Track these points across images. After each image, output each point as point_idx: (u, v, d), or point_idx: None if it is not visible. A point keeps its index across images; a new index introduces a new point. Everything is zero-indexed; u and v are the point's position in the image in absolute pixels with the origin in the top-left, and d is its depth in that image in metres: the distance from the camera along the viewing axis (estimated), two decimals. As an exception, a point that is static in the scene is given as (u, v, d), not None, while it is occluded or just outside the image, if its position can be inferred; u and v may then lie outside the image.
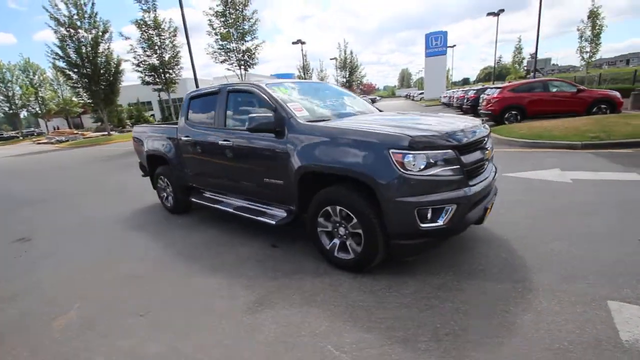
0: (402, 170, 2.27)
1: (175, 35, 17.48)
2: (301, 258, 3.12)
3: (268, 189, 3.27)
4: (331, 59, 43.26)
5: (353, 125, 2.75)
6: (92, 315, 2.52)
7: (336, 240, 2.80)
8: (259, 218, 3.40)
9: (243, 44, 14.11)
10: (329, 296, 2.47)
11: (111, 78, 22.40)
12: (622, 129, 7.26)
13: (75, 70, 20.51)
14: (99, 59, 21.36)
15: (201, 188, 4.36)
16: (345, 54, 37.65)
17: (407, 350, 1.87)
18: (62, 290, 2.93)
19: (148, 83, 19.31)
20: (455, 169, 2.33)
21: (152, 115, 35.98)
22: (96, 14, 20.78)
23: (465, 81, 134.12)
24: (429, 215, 2.32)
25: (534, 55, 20.57)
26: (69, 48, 20.11)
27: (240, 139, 3.40)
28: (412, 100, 50.83)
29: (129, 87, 31.38)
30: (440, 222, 2.34)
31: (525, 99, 11.12)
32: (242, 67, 14.69)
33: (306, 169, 2.76)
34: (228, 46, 14.01)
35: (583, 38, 19.55)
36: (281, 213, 3.35)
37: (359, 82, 43.21)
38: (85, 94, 21.94)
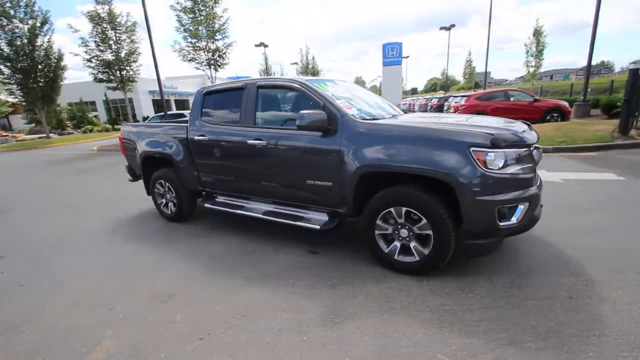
0: (483, 168, 2.25)
1: (133, 31, 16.08)
2: (350, 263, 2.96)
3: (311, 191, 3.07)
4: (292, 64, 43.26)
5: (420, 123, 2.69)
6: (135, 343, 2.12)
7: (397, 243, 2.70)
8: (297, 223, 3.18)
9: (213, 42, 13.44)
10: (405, 301, 2.35)
11: (51, 74, 19.97)
12: (582, 134, 8.15)
13: (8, 64, 17.94)
14: (37, 52, 18.95)
15: (215, 192, 3.99)
16: (307, 59, 37.87)
17: (520, 352, 1.83)
18: (76, 318, 2.44)
19: (101, 80, 17.45)
20: (527, 168, 2.38)
21: (96, 116, 32.72)
22: (34, 2, 18.46)
23: (414, 90, 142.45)
24: (506, 214, 2.33)
25: (481, 67, 22.45)
26: (1, 39, 17.57)
27: (278, 138, 3.16)
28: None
29: (70, 85, 28.28)
30: (514, 220, 2.36)
31: (490, 107, 12.03)
32: (212, 67, 13.97)
33: (369, 168, 2.63)
34: (197, 44, 13.21)
35: (529, 53, 22.06)
36: (321, 217, 3.17)
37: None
38: (19, 92, 19.26)
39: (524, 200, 2.35)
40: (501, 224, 2.32)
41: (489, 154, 2.25)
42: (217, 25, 13.13)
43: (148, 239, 3.88)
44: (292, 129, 3.32)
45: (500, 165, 2.28)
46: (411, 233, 2.62)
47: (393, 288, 2.53)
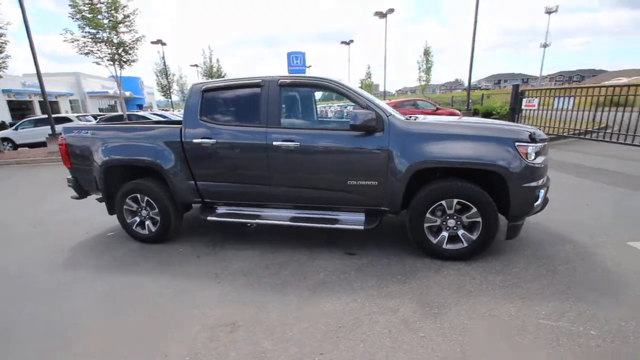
0: (526, 160, 2.66)
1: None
2: (396, 259, 3.04)
3: (352, 192, 3.03)
4: (192, 66, 40.14)
5: (465, 123, 2.96)
6: (237, 385, 1.75)
7: (444, 233, 2.92)
8: (336, 226, 3.10)
9: (117, 35, 11.32)
10: (475, 284, 2.57)
11: None
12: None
13: None
14: None
15: (216, 202, 3.50)
16: (210, 61, 35.59)
17: (591, 304, 2.24)
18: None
19: None
20: (546, 159, 2.90)
21: None
22: None
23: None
24: (537, 197, 2.80)
25: (378, 80, 25.42)
26: None
27: (315, 138, 3.02)
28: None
29: None
30: (538, 202, 2.85)
31: (402, 113, 13.70)
32: (117, 62, 11.75)
33: (424, 165, 2.78)
34: (98, 36, 10.89)
35: (421, 69, 26.16)
36: (355, 217, 3.17)
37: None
38: None
39: (543, 186, 2.86)
40: (535, 206, 2.78)
41: (529, 147, 2.68)
42: (120, 16, 11.19)
43: (133, 267, 3.14)
44: (330, 129, 3.23)
45: (533, 157, 2.73)
46: (459, 222, 2.87)
47: (453, 275, 2.73)
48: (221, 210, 3.52)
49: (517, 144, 2.67)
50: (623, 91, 7.43)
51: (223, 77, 37.08)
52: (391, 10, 24.51)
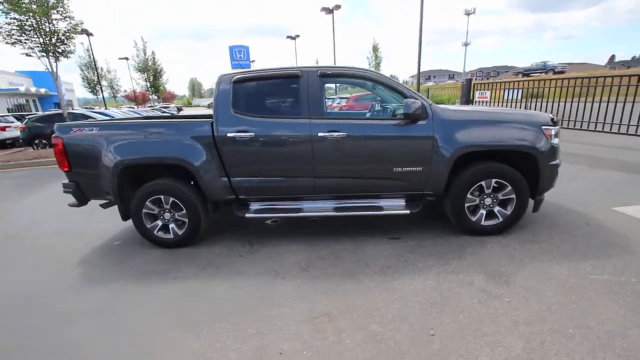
0: (550, 141, 3.04)
1: None
2: (440, 240, 3.24)
3: (397, 178, 3.15)
4: (121, 59, 36.35)
5: (495, 110, 3.25)
6: (372, 369, 1.77)
7: (482, 211, 3.21)
8: (383, 212, 3.22)
9: (50, 22, 9.65)
10: (520, 254, 2.88)
11: None
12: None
13: None
14: None
15: (250, 198, 3.35)
16: (145, 54, 32.41)
17: (612, 258, 2.68)
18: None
19: None
20: (559, 140, 3.34)
21: None
22: None
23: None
24: (557, 174, 3.22)
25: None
26: None
27: (362, 128, 3.08)
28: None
29: None
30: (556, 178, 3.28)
31: (365, 107, 14.23)
32: (51, 54, 10.02)
33: (467, 149, 3.00)
34: (27, 23, 9.11)
35: (371, 65, 27.06)
36: (395, 202, 3.31)
37: (163, 88, 38.41)
38: None
39: (560, 163, 3.30)
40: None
41: (552, 130, 3.07)
42: (52, 1, 9.59)
43: (172, 274, 2.88)
44: (373, 118, 3.30)
45: (554, 138, 3.14)
46: (494, 200, 3.18)
47: (498, 248, 3.02)
48: (255, 206, 3.38)
49: (543, 127, 3.04)
50: (571, 83, 8.54)
51: (160, 71, 34.34)
52: (338, 7, 25.00)
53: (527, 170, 3.11)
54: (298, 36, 33.96)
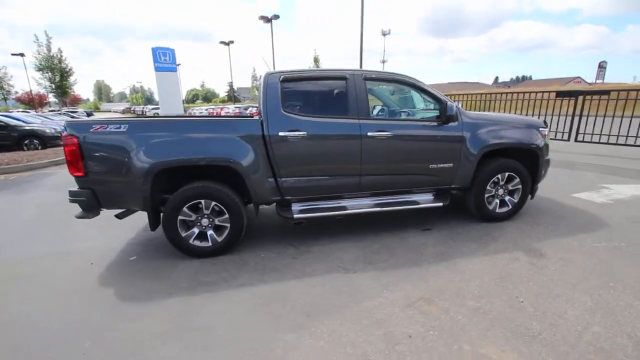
0: (544, 140, 3.73)
1: None
2: (468, 227, 3.65)
3: (432, 174, 3.47)
4: (14, 55, 30.46)
5: (504, 115, 3.83)
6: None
7: (497, 200, 3.74)
8: (420, 206, 3.51)
9: None
10: (545, 233, 3.44)
11: None
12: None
13: None
14: None
15: (294, 199, 3.31)
16: (49, 51, 27.39)
17: (605, 229, 3.43)
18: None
19: None
20: (545, 140, 4.08)
21: None
22: None
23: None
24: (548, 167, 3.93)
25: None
26: None
27: (405, 128, 3.33)
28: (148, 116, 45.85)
29: None
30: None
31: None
32: None
33: (490, 147, 3.49)
34: None
35: None
36: (426, 197, 3.65)
37: (70, 91, 32.97)
38: None
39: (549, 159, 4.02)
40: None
41: (545, 131, 3.77)
42: None
43: (230, 283, 2.70)
44: (412, 120, 3.59)
45: (546, 138, 3.84)
46: (505, 190, 3.74)
47: (514, 230, 3.55)
48: (297, 207, 3.35)
49: (540, 129, 3.72)
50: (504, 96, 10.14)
51: (69, 71, 29.75)
52: (276, 17, 25.24)
53: (528, 164, 3.74)
54: (232, 42, 33.11)
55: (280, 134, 3.04)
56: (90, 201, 2.89)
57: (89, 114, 39.91)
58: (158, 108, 42.38)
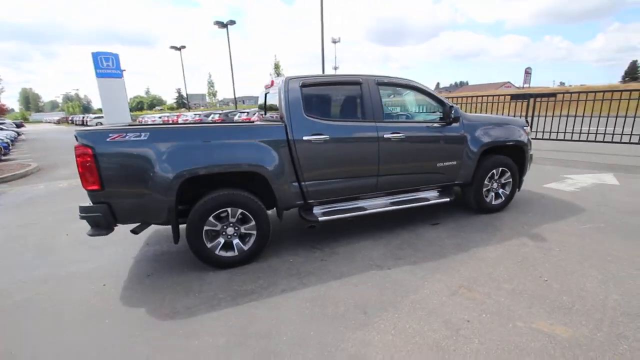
0: (527, 137, 4.18)
1: None
2: (472, 220, 3.95)
3: (439, 172, 3.72)
4: None
5: (495, 116, 4.22)
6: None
7: (492, 193, 4.09)
8: (430, 202, 3.73)
9: None
10: (540, 220, 3.84)
11: None
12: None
13: None
14: None
15: (318, 201, 3.33)
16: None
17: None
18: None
19: None
20: (523, 137, 4.55)
21: None
22: None
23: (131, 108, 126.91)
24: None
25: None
26: None
27: (417, 129, 3.54)
28: (90, 126, 41.90)
29: None
30: (524, 165, 4.49)
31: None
32: None
33: (488, 145, 3.83)
34: None
35: None
36: (433, 194, 3.90)
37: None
38: None
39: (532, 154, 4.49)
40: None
41: (527, 129, 4.22)
42: None
43: (274, 289, 2.66)
44: (420, 121, 3.79)
45: (529, 135, 4.30)
46: (499, 184, 4.11)
47: (512, 220, 3.92)
48: (318, 209, 3.39)
49: (524, 127, 4.16)
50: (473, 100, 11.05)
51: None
52: (232, 22, 24.78)
53: (516, 159, 4.16)
54: (184, 47, 31.80)
55: (305, 138, 3.06)
56: (107, 217, 2.65)
57: (18, 125, 35.71)
58: (101, 117, 39.29)
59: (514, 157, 4.13)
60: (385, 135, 3.34)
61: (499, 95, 9.63)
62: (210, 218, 2.86)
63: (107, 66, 37.51)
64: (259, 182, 3.03)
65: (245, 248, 3.03)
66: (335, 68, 52.20)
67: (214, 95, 48.98)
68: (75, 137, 2.56)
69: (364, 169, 3.37)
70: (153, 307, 2.49)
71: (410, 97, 4.49)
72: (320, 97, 3.30)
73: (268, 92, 3.88)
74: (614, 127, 7.73)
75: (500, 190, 4.15)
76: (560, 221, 3.78)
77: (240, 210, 2.94)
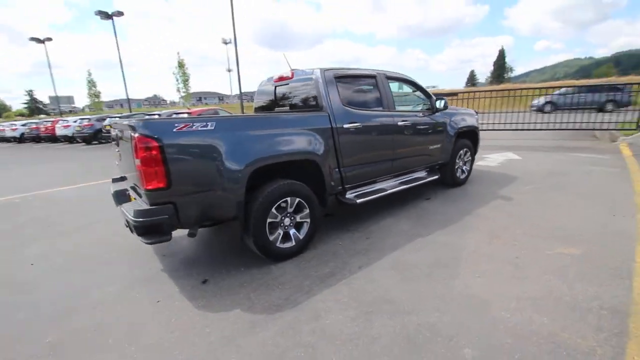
0: (477, 123, 5.29)
1: None
2: (459, 196, 4.76)
3: (430, 154, 4.41)
4: None
5: (459, 108, 5.11)
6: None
7: (459, 169, 5.03)
8: (425, 180, 4.39)
9: None
10: (513, 194, 4.90)
11: None
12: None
13: None
14: None
15: (351, 186, 3.55)
16: None
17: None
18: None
19: None
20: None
21: None
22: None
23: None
24: (476, 143, 5.54)
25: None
26: None
27: (416, 117, 4.11)
28: None
29: None
30: (472, 147, 5.63)
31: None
32: None
33: (460, 130, 4.70)
34: None
35: (179, 81, 25.00)
36: (424, 173, 4.60)
37: None
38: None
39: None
40: (477, 147, 5.53)
41: (477, 116, 5.33)
42: None
43: (349, 274, 2.83)
44: (415, 111, 4.37)
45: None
46: (464, 161, 5.08)
47: (476, 189, 4.91)
48: (350, 194, 3.62)
49: (476, 116, 5.25)
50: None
51: None
52: (120, 13, 21.66)
53: (471, 141, 5.21)
54: (50, 39, 26.10)
55: (345, 126, 3.27)
56: (172, 219, 2.35)
57: None
58: None
59: (471, 140, 5.17)
60: (399, 123, 3.81)
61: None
62: (272, 209, 2.80)
63: None
64: (307, 170, 3.10)
65: (301, 237, 3.05)
66: (229, 70, 51.11)
67: (97, 96, 40.76)
68: (133, 127, 2.19)
69: (385, 153, 3.77)
70: (247, 307, 2.35)
71: (405, 89, 5.06)
72: (349, 88, 3.53)
73: (278, 85, 3.88)
74: (505, 120, 10.15)
75: (464, 167, 5.14)
76: (509, 186, 4.94)
77: (297, 200, 2.96)
